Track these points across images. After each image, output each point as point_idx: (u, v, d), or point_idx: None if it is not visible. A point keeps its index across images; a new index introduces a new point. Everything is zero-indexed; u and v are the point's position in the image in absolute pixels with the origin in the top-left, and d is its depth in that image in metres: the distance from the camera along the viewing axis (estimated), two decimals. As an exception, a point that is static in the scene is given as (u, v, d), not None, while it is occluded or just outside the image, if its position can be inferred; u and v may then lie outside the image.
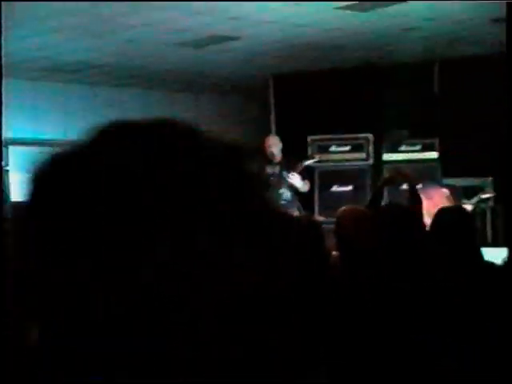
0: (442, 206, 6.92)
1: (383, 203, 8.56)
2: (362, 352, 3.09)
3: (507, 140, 3.95)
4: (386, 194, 8.63)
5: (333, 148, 9.48)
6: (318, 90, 10.50)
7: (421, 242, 3.70)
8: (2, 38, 5.40)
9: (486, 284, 2.96)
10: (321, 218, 8.99)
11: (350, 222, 4.14)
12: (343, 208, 4.40)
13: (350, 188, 9.31)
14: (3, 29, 5.40)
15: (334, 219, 4.48)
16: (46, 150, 0.83)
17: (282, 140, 8.55)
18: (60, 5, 7.24)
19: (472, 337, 2.85)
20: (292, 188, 8.28)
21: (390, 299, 3.15)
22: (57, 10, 7.42)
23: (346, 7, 7.65)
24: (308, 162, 8.52)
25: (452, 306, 2.85)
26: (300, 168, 8.22)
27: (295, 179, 8.14)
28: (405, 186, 8.41)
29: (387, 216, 4.03)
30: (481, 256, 3.09)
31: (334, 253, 4.43)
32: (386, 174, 8.74)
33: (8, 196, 8.60)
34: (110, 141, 0.93)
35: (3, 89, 4.31)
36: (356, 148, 9.40)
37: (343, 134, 9.46)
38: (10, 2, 6.18)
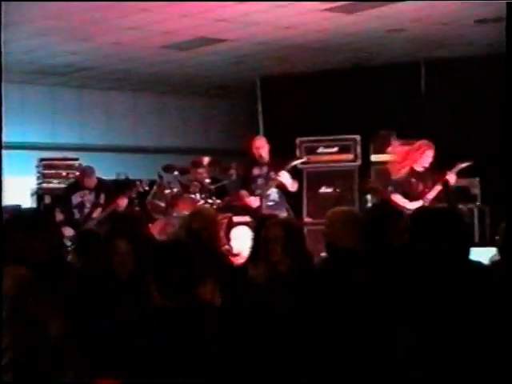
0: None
1: (370, 205, 8.65)
2: (350, 352, 3.10)
3: (506, 139, 3.97)
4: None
5: (320, 149, 9.49)
6: (305, 92, 10.52)
7: (405, 243, 3.73)
8: (2, 38, 5.37)
9: (473, 283, 2.98)
10: (309, 220, 9.02)
11: (339, 224, 4.18)
12: (332, 210, 4.44)
13: (337, 189, 9.33)
14: (3, 29, 5.38)
15: (322, 220, 4.51)
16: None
17: (270, 142, 8.55)
18: (46, 7, 7.23)
19: (461, 336, 2.86)
20: (280, 189, 8.29)
21: (379, 299, 3.16)
22: (43, 12, 7.41)
23: (334, 9, 7.67)
24: (295, 162, 8.53)
25: (439, 306, 2.86)
26: (288, 167, 8.23)
27: (285, 177, 8.15)
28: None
29: (373, 217, 4.05)
30: (467, 255, 3.10)
31: (322, 254, 4.46)
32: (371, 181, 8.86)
33: None
34: None
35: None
36: (344, 149, 9.42)
37: (331, 135, 9.48)
38: (10, 2, 6.18)
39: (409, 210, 7.33)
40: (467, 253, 3.01)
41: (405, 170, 7.68)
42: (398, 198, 7.59)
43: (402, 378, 2.86)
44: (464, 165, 7.55)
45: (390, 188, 7.76)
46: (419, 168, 7.70)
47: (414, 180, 7.66)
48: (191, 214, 5.00)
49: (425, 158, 7.65)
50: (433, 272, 2.92)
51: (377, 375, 2.96)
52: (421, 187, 7.64)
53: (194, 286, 3.08)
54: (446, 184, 7.56)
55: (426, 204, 7.45)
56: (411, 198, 7.55)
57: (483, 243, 6.18)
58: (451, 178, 7.56)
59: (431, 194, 7.54)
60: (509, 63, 4.03)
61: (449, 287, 2.91)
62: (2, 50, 4.94)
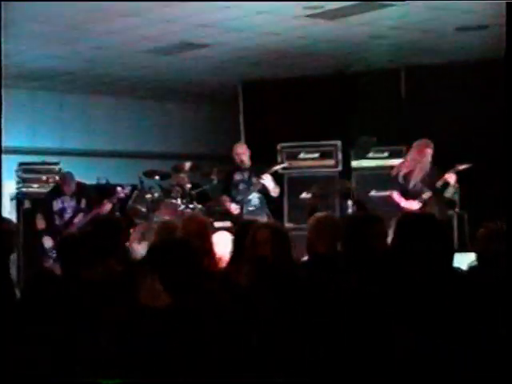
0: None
1: (350, 211, 8.69)
2: (345, 354, 3.12)
3: (506, 142, 4.03)
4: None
5: (302, 155, 9.52)
6: (287, 98, 10.55)
7: (386, 247, 3.77)
8: (2, 38, 5.33)
9: (465, 285, 3.02)
10: (290, 225, 9.03)
11: (318, 229, 4.24)
12: (314, 216, 4.50)
13: (318, 195, 9.35)
14: (3, 29, 5.34)
15: (303, 226, 4.56)
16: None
17: (252, 147, 8.58)
18: (28, 11, 7.20)
19: (457, 337, 2.89)
20: (261, 194, 8.31)
21: (365, 302, 3.19)
22: (23, 15, 7.38)
23: (316, 15, 7.71)
24: (277, 167, 8.56)
25: (432, 307, 2.89)
26: (270, 172, 8.26)
27: (268, 180, 8.18)
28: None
29: (354, 222, 4.08)
30: (450, 261, 3.14)
31: (304, 258, 4.49)
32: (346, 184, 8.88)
33: None
34: None
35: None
36: (325, 155, 9.45)
37: (312, 140, 9.51)
38: (10, 1, 6.17)
39: (403, 208, 7.42)
40: (451, 258, 3.05)
41: (419, 176, 7.63)
42: (395, 196, 7.64)
43: (399, 379, 2.88)
44: (463, 167, 7.52)
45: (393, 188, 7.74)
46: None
47: (412, 179, 7.66)
48: (185, 219, 5.00)
49: (424, 157, 7.63)
50: (426, 273, 2.95)
51: (373, 375, 2.98)
52: (419, 186, 7.64)
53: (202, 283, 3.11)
54: (443, 186, 7.52)
55: (421, 203, 7.49)
56: (408, 197, 7.58)
57: (462, 249, 6.22)
58: (451, 177, 7.51)
59: (427, 195, 7.55)
60: (509, 65, 4.07)
61: (441, 290, 2.94)
62: (3, 51, 4.90)
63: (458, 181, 7.66)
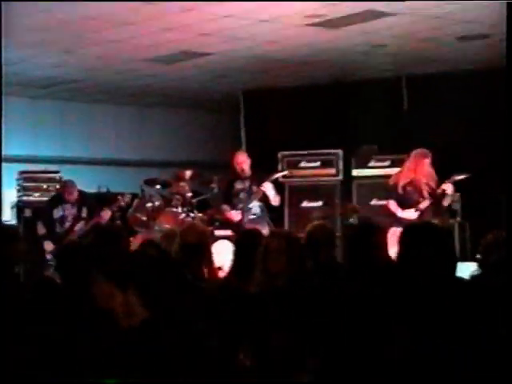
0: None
1: (351, 220, 8.69)
2: (349, 355, 3.12)
3: (506, 149, 4.04)
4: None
5: (303, 164, 9.52)
6: (288, 106, 10.56)
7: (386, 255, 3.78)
8: (2, 38, 5.33)
9: (456, 291, 3.02)
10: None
11: (317, 238, 4.25)
12: (311, 225, 4.51)
13: (319, 204, 9.35)
14: (3, 29, 5.35)
15: (303, 235, 4.56)
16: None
17: (252, 155, 8.57)
18: (31, 20, 7.21)
19: (457, 338, 2.89)
20: (262, 203, 8.30)
21: (365, 307, 3.19)
22: (27, 25, 7.39)
23: (317, 24, 7.72)
24: (277, 175, 8.55)
25: (434, 311, 2.89)
26: (270, 180, 8.24)
27: (268, 188, 8.16)
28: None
29: (357, 232, 4.09)
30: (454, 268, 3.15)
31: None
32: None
33: None
34: None
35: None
36: (326, 164, 9.45)
37: (313, 149, 9.51)
38: (10, 1, 6.18)
39: (400, 218, 7.40)
40: (453, 266, 3.07)
41: (422, 186, 7.60)
42: (392, 205, 7.62)
43: (399, 379, 2.88)
44: (459, 177, 7.49)
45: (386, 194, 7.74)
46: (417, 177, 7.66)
47: (410, 188, 7.64)
48: (183, 229, 5.00)
49: (421, 167, 7.60)
50: (429, 279, 2.96)
51: (373, 375, 2.98)
52: (416, 196, 7.61)
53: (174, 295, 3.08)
54: (441, 195, 7.49)
55: (419, 213, 7.46)
56: (405, 207, 7.56)
57: (463, 258, 6.21)
58: (448, 187, 7.47)
59: (424, 204, 7.52)
60: (509, 66, 4.07)
61: (442, 293, 2.95)
62: (3, 52, 4.90)
63: (460, 190, 7.65)
